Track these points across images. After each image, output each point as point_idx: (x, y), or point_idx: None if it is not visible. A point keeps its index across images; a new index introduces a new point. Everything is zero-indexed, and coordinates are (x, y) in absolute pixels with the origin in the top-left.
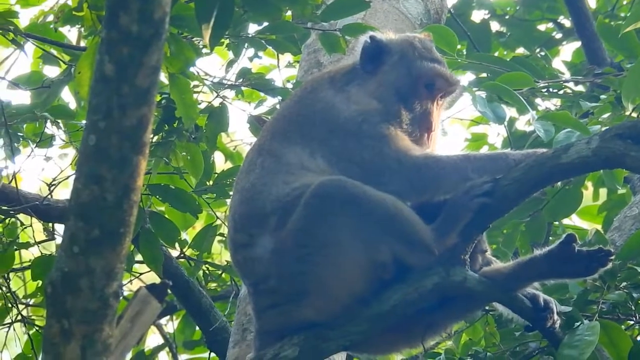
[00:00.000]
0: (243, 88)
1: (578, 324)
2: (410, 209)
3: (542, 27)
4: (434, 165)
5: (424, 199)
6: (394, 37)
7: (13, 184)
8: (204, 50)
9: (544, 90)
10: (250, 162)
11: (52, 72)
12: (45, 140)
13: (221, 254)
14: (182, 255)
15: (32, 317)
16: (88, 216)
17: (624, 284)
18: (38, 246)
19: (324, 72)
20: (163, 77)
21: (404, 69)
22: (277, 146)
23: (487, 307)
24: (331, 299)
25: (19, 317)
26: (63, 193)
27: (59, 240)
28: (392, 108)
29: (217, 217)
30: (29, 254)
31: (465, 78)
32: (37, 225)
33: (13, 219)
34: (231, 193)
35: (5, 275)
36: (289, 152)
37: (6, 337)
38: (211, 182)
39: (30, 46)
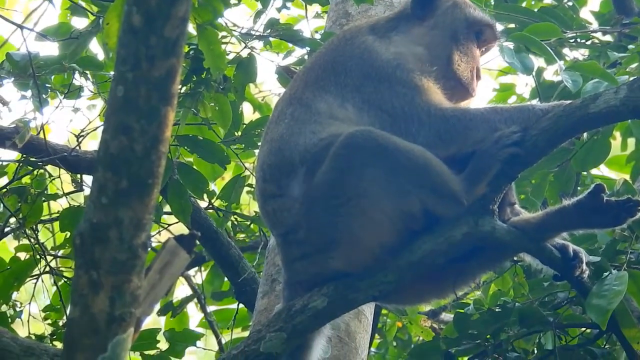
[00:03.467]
0: (271, 39)
1: (606, 273)
2: (439, 160)
3: None
4: (462, 117)
5: (453, 150)
6: None
7: (41, 135)
8: (232, 1)
9: (571, 40)
10: (280, 112)
11: (80, 23)
12: (73, 92)
13: (250, 204)
14: (210, 206)
15: (61, 269)
16: (116, 167)
17: None
18: (66, 197)
19: (362, 23)
20: (191, 28)
21: (459, 13)
22: (308, 95)
23: (515, 258)
24: (360, 249)
25: (47, 269)
26: (91, 144)
27: (87, 191)
28: (442, 53)
29: (246, 168)
30: (57, 206)
31: (489, 25)
32: (65, 176)
33: (42, 170)
34: (259, 144)
35: (34, 226)
36: (320, 101)
37: (34, 288)
38: (239, 133)
39: None
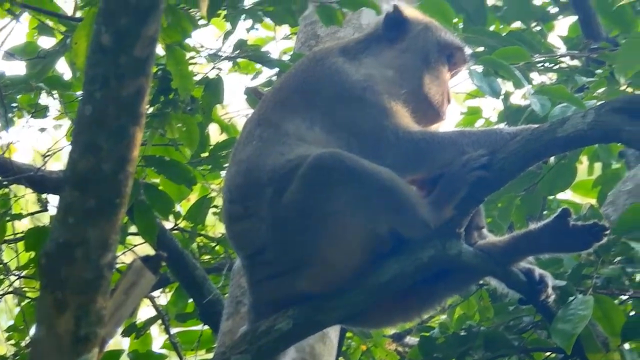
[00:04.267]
0: (239, 60)
1: (572, 298)
2: (406, 183)
3: (538, 1)
4: (430, 140)
5: (421, 173)
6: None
7: (7, 154)
8: (201, 22)
9: (539, 64)
10: (248, 133)
11: (47, 43)
12: (40, 111)
13: (215, 226)
14: (176, 227)
15: (24, 289)
16: (84, 186)
17: (618, 258)
18: (31, 217)
19: (332, 44)
20: (159, 48)
21: (431, 36)
22: (277, 116)
23: (481, 281)
24: (327, 271)
25: (11, 289)
26: (57, 165)
27: (52, 211)
28: (414, 75)
29: (212, 189)
30: (22, 225)
31: (460, 49)
32: (30, 196)
33: (6, 190)
34: (226, 165)
35: None
36: (289, 123)
37: None
38: (206, 154)
39: (26, 16)
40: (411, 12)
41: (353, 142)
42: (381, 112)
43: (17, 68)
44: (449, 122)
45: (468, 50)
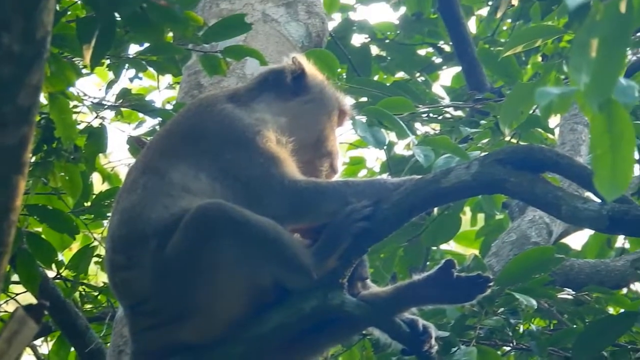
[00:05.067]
0: (122, 109)
1: (455, 349)
2: (289, 233)
3: (422, 51)
4: (314, 189)
5: (305, 222)
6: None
7: None
8: (84, 71)
9: (424, 114)
10: (133, 181)
11: None
12: None
13: (97, 275)
14: (58, 275)
15: None
16: None
17: (502, 309)
18: None
19: (218, 92)
20: (42, 97)
21: (332, 93)
22: (163, 164)
23: (364, 331)
24: (210, 322)
25: None
26: None
27: None
28: (314, 128)
29: (95, 238)
30: None
31: (348, 105)
32: None
33: None
34: (109, 214)
35: None
36: (174, 171)
37: None
38: (89, 203)
39: None
40: (308, 65)
41: (239, 189)
42: (269, 160)
43: None
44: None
45: (352, 111)
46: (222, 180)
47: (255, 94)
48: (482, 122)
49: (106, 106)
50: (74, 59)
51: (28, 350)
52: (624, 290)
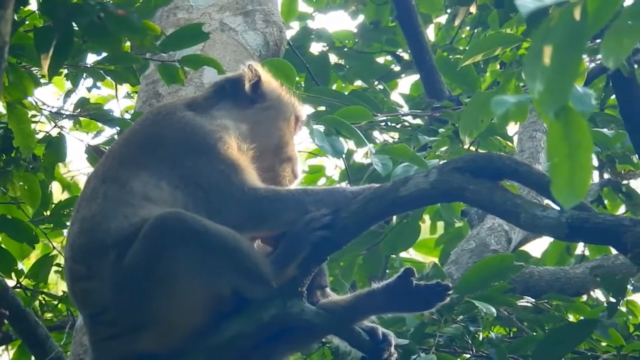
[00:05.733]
0: (81, 118)
1: (415, 357)
2: (249, 242)
3: (380, 59)
4: (274, 198)
5: (264, 230)
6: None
7: None
8: (43, 80)
9: (382, 123)
10: (92, 190)
11: None
12: None
13: (57, 284)
14: (18, 285)
15: None
16: None
17: (461, 317)
18: None
19: (176, 100)
20: (0, 107)
21: (290, 99)
22: (123, 173)
23: (324, 339)
24: (169, 331)
25: None
26: None
27: None
28: (274, 134)
29: (54, 247)
30: None
31: (304, 111)
32: None
33: None
34: (69, 223)
35: None
36: (135, 180)
37: None
38: (48, 212)
39: None
40: (264, 72)
41: (200, 197)
42: (230, 167)
43: None
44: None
45: (307, 118)
46: (184, 188)
47: (213, 102)
48: (441, 130)
49: (64, 115)
50: (32, 69)
51: None
52: (584, 298)
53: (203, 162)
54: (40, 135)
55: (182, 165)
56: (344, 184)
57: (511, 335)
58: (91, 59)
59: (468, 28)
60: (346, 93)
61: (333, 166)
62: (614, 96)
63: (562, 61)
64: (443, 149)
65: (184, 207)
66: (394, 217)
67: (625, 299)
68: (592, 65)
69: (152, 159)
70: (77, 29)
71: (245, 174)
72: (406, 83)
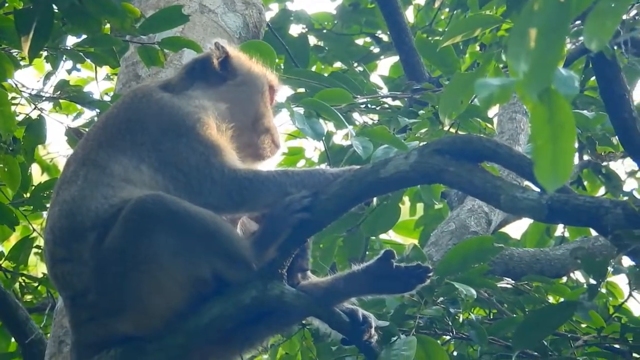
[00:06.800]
0: (61, 100)
1: (395, 338)
2: (229, 225)
3: (360, 41)
4: (254, 179)
5: (244, 211)
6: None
7: None
8: (22, 62)
9: (362, 105)
10: (73, 172)
11: None
12: None
13: (37, 266)
14: None
15: None
16: None
17: (441, 299)
18: None
19: (151, 83)
20: None
21: (262, 72)
22: (102, 156)
23: (304, 321)
24: (149, 313)
25: None
26: None
27: None
28: (250, 108)
29: (34, 229)
30: None
31: (283, 94)
32: None
33: None
34: (48, 205)
35: None
36: (115, 163)
37: None
38: (28, 195)
39: None
40: (232, 49)
41: (180, 179)
42: (209, 149)
43: None
44: (269, 163)
45: (284, 89)
46: (164, 171)
47: (187, 83)
48: (421, 112)
49: (44, 98)
50: (12, 51)
51: None
52: (564, 279)
53: (182, 144)
54: (20, 118)
55: (161, 148)
56: (323, 166)
57: (491, 317)
58: (71, 41)
59: (447, 10)
60: (326, 75)
61: (313, 148)
62: (593, 78)
63: (546, 43)
64: (423, 130)
65: (164, 190)
66: (374, 199)
67: (605, 280)
68: (572, 47)
69: (131, 143)
70: (57, 11)
71: (224, 155)
72: (386, 65)
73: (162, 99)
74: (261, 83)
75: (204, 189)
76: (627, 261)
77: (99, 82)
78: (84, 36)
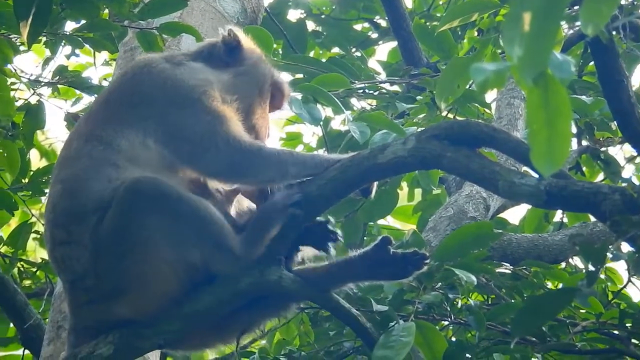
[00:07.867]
0: (59, 86)
1: (393, 324)
2: (221, 216)
3: (358, 26)
4: (257, 152)
5: (242, 183)
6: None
7: None
8: (22, 48)
9: (360, 90)
10: (76, 149)
11: None
12: None
13: (36, 251)
14: None
15: None
16: None
17: (440, 284)
18: None
19: (153, 55)
20: None
21: (267, 69)
22: (107, 132)
23: (301, 306)
24: (145, 297)
25: None
26: None
27: None
28: (244, 100)
29: (33, 215)
30: None
31: (285, 85)
32: None
33: None
34: (47, 190)
35: None
36: (121, 138)
37: None
38: (27, 180)
39: None
40: (245, 38)
41: (185, 149)
42: (215, 118)
43: None
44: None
45: (289, 89)
46: (169, 144)
47: (193, 57)
48: (419, 97)
49: (43, 83)
50: (11, 36)
51: None
52: (563, 265)
53: (188, 114)
54: (19, 103)
55: (167, 121)
56: (321, 151)
57: (489, 303)
58: (70, 26)
59: None
60: (324, 60)
61: (311, 133)
62: (592, 63)
63: (541, 27)
64: (421, 116)
65: (170, 165)
66: (374, 191)
67: (604, 267)
68: (571, 32)
69: (137, 116)
70: None
71: (230, 124)
72: (384, 50)
73: (165, 71)
74: (262, 80)
75: (207, 158)
76: (626, 247)
77: (98, 67)
78: (83, 21)
